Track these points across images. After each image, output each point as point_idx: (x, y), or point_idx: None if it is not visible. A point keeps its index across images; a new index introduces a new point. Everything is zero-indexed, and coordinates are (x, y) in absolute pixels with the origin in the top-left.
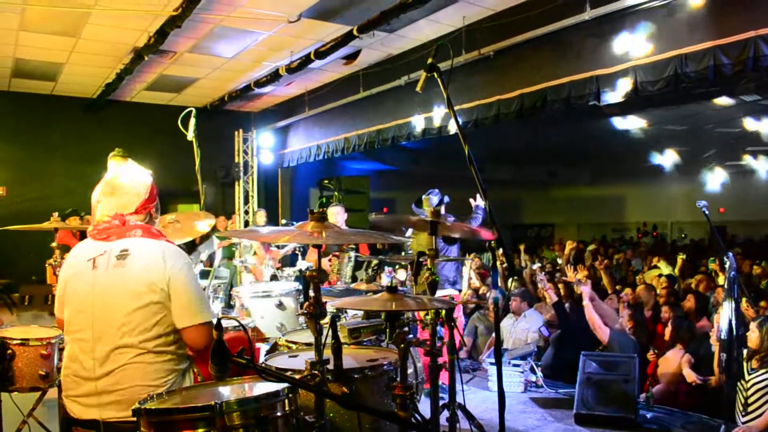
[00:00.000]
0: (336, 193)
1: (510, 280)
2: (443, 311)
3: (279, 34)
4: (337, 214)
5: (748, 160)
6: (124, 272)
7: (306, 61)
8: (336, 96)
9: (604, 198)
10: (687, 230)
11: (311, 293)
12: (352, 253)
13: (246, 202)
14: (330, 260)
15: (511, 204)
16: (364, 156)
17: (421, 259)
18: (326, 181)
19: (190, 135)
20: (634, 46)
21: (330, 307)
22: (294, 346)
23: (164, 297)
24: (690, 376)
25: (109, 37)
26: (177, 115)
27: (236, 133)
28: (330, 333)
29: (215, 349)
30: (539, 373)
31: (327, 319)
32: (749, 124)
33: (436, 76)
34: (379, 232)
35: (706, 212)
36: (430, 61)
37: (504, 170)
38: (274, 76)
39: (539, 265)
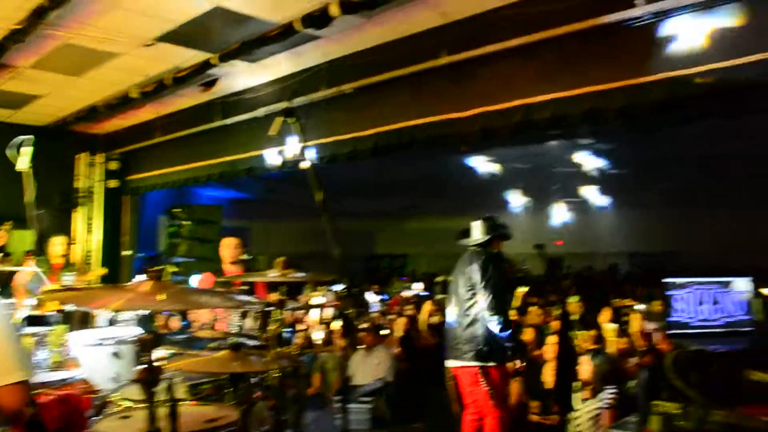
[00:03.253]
0: (186, 223)
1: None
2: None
3: (133, 56)
4: (228, 248)
5: (583, 195)
6: None
7: (160, 86)
8: (191, 123)
9: (456, 230)
10: (529, 263)
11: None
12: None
13: (88, 230)
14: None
15: (366, 235)
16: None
17: (268, 309)
18: (177, 210)
19: (23, 164)
20: (484, 93)
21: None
22: (128, 404)
23: None
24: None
25: None
26: (12, 134)
27: (80, 156)
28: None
29: (30, 423)
30: (386, 409)
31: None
32: (584, 163)
33: (292, 121)
34: (234, 295)
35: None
36: (285, 105)
37: (359, 203)
38: (125, 99)
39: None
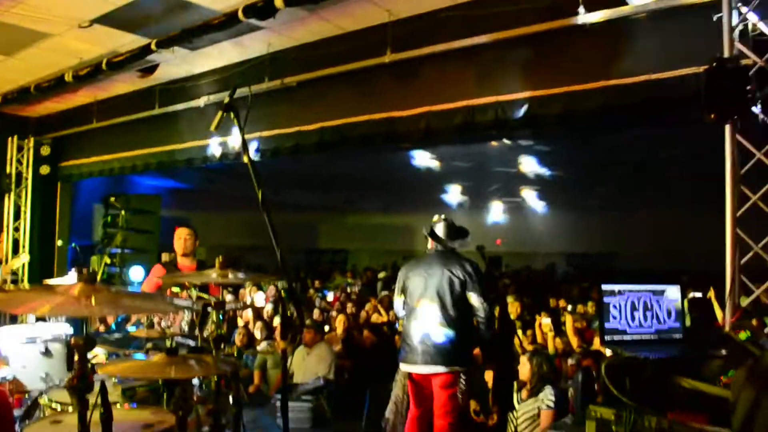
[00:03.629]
0: (123, 213)
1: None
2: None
3: (68, 38)
4: (179, 239)
5: (522, 196)
6: None
7: (96, 69)
8: (129, 109)
9: (396, 226)
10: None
11: (76, 362)
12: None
13: (17, 217)
14: None
15: (308, 228)
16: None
17: (207, 309)
18: (112, 199)
19: None
20: (428, 92)
21: (102, 365)
22: (58, 407)
23: None
24: None
25: None
26: None
27: (10, 139)
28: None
29: None
30: (327, 407)
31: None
32: (524, 164)
33: (232, 116)
34: (170, 298)
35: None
36: (226, 100)
37: (301, 195)
38: (59, 82)
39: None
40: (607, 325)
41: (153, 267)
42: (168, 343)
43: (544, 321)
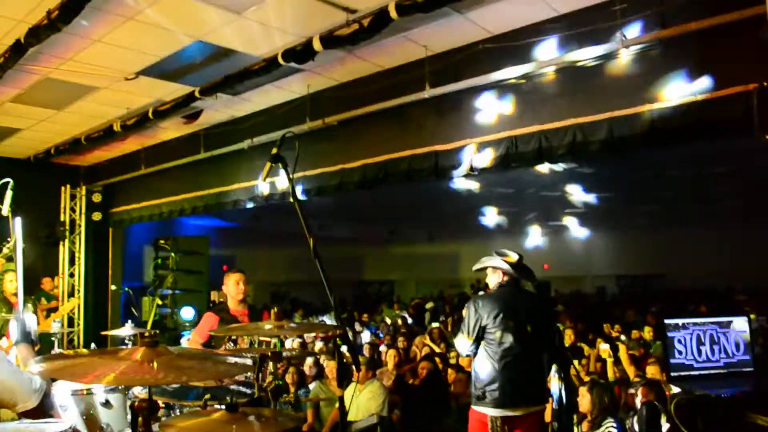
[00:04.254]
0: (173, 254)
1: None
2: None
3: (115, 90)
4: (235, 285)
5: (567, 218)
6: None
7: (143, 119)
8: (175, 155)
9: (441, 255)
10: None
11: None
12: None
13: (72, 263)
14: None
15: (353, 261)
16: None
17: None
18: (162, 241)
19: (5, 210)
20: (470, 125)
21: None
22: None
23: None
24: None
25: None
26: None
27: (63, 188)
28: None
29: None
30: None
31: None
32: (568, 187)
33: (281, 167)
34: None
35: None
36: (275, 151)
37: (346, 228)
38: (107, 132)
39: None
40: (672, 361)
41: (204, 315)
42: (227, 398)
43: (603, 347)
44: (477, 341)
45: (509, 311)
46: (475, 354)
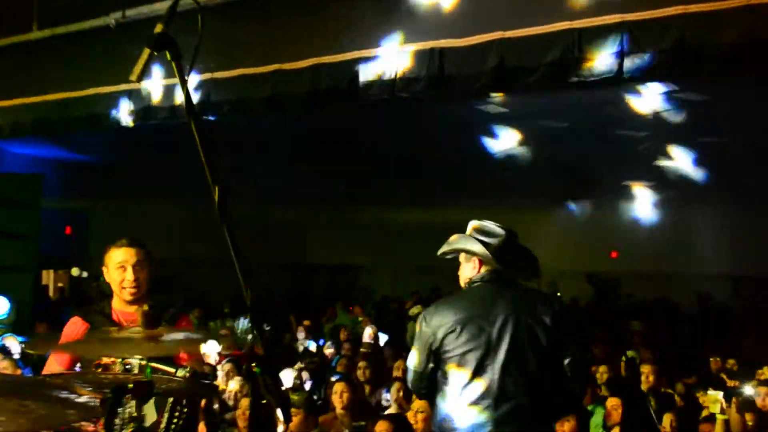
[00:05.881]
0: None
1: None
2: None
3: None
4: (123, 266)
5: (652, 180)
6: None
7: None
8: None
9: (437, 227)
10: (561, 285)
11: None
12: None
13: None
14: None
15: (291, 232)
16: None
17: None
18: None
19: None
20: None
21: None
22: None
23: None
24: None
25: None
26: None
27: None
28: None
29: None
30: None
31: None
32: (656, 125)
33: (169, 58)
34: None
35: None
36: (159, 29)
37: (280, 175)
38: None
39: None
40: None
41: (69, 321)
42: None
43: (711, 394)
44: (432, 373)
45: (486, 324)
46: (431, 395)
